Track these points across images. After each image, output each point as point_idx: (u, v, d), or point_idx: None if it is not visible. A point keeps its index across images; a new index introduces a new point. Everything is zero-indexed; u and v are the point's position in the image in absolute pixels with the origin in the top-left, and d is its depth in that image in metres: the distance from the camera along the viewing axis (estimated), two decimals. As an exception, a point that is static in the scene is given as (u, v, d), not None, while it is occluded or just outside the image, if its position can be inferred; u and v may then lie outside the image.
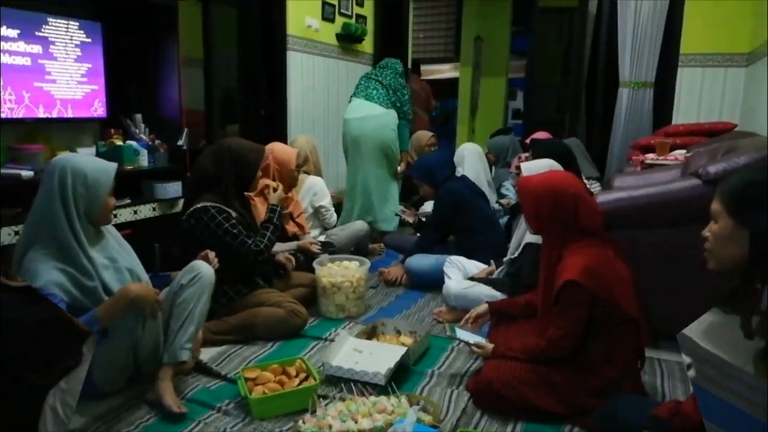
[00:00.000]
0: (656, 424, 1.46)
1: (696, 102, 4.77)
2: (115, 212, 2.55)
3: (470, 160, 3.86)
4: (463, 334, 2.09)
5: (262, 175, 2.61)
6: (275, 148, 3.07)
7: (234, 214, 2.39)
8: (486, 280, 2.73)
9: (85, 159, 1.86)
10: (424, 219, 3.57)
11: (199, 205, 2.33)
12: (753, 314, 1.24)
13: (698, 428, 1.37)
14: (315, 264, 2.75)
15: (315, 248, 3.06)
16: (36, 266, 1.68)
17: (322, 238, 3.34)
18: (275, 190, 2.69)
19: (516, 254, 2.60)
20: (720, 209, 1.30)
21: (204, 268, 1.96)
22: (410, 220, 3.60)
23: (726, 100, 4.66)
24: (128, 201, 2.64)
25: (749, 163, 2.16)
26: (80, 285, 1.74)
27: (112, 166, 1.85)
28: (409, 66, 6.45)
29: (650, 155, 3.69)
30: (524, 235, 2.61)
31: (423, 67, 7.15)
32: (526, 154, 3.12)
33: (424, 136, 4.36)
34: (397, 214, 3.75)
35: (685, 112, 4.79)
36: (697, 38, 4.70)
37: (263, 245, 2.43)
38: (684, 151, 3.63)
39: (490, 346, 1.98)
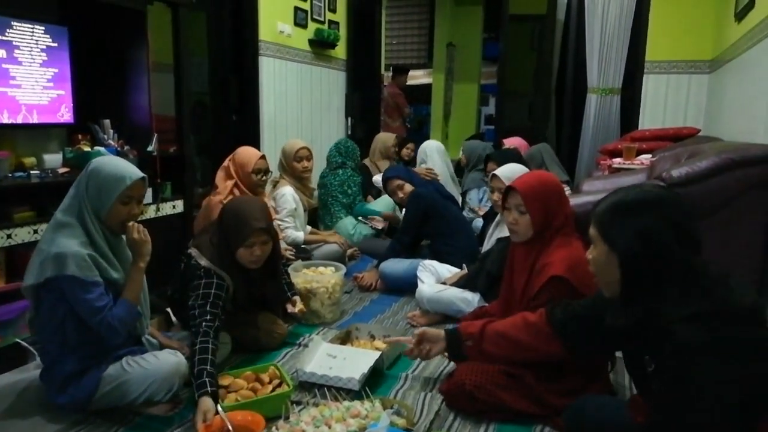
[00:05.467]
0: (452, 335, 1.52)
1: (661, 108, 4.90)
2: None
3: (435, 157, 3.94)
4: None
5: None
6: (238, 151, 3.05)
7: (228, 283, 2.13)
8: (457, 284, 2.75)
9: (110, 162, 1.87)
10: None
11: (201, 262, 2.12)
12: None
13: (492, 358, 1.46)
14: (290, 270, 2.74)
15: (288, 254, 3.04)
16: (68, 244, 1.71)
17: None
18: None
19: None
20: (594, 234, 1.29)
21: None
22: (379, 226, 3.61)
23: (690, 105, 4.80)
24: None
25: (662, 176, 2.23)
26: (107, 275, 1.78)
27: (131, 175, 1.82)
28: (383, 71, 6.49)
29: (617, 160, 3.78)
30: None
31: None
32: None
33: (389, 139, 4.47)
34: (364, 223, 3.75)
35: (650, 118, 4.92)
36: (661, 46, 4.84)
37: (197, 338, 1.92)
38: (650, 155, 3.72)
39: (463, 350, 2.01)
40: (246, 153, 3.04)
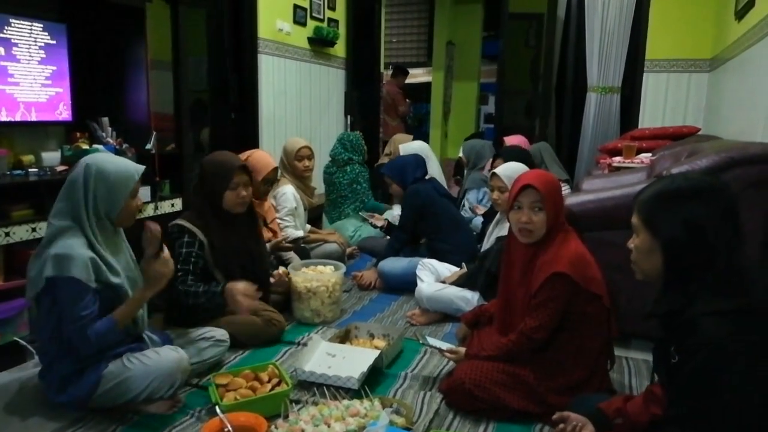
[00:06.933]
0: (599, 418, 1.46)
1: (661, 106, 4.89)
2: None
3: (432, 158, 3.97)
4: (434, 341, 2.10)
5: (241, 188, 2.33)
6: (254, 154, 2.98)
7: (200, 238, 2.25)
8: (457, 282, 2.75)
9: (111, 162, 1.86)
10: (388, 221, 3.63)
11: (176, 221, 2.28)
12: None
13: (639, 430, 1.38)
14: (290, 269, 2.73)
15: (286, 243, 3.04)
16: (71, 245, 1.70)
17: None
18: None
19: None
20: (637, 222, 1.28)
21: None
22: (379, 224, 3.61)
23: (690, 104, 4.79)
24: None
25: (662, 174, 2.22)
26: (106, 279, 1.77)
27: (137, 169, 1.85)
28: (383, 70, 6.48)
29: (617, 158, 3.77)
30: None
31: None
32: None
33: (408, 139, 4.48)
34: (365, 219, 3.75)
35: (650, 116, 4.91)
36: (661, 44, 4.83)
37: (188, 293, 2.17)
38: (649, 154, 3.72)
39: (462, 350, 2.00)
40: (261, 160, 2.94)
